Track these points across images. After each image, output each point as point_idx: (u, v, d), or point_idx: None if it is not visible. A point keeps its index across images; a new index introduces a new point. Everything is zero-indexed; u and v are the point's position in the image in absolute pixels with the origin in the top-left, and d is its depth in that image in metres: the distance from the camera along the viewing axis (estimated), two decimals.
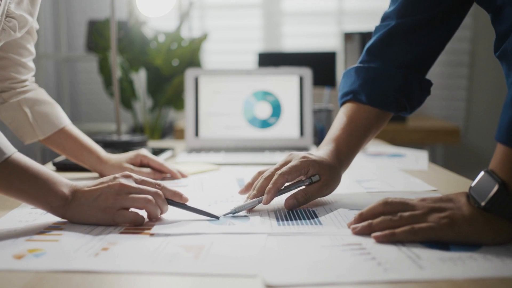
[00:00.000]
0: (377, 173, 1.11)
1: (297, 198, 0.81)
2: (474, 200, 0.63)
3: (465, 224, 0.62)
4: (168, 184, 1.01)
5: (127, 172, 0.75)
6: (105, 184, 0.72)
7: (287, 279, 0.53)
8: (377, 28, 0.97)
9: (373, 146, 1.53)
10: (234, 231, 0.69)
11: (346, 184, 1.00)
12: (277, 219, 0.74)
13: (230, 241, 0.64)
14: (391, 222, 0.65)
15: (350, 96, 0.96)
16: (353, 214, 0.76)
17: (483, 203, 0.62)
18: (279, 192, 0.83)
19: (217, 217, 0.76)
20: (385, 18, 0.96)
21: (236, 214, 0.77)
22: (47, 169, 0.73)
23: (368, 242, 0.63)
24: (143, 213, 0.73)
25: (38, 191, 0.71)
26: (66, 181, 0.73)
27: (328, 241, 0.64)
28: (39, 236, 0.67)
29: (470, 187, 0.65)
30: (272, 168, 0.86)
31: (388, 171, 1.13)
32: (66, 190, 0.72)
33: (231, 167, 1.21)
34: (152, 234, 0.67)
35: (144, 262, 0.57)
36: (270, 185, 0.81)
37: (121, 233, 0.68)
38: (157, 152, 1.34)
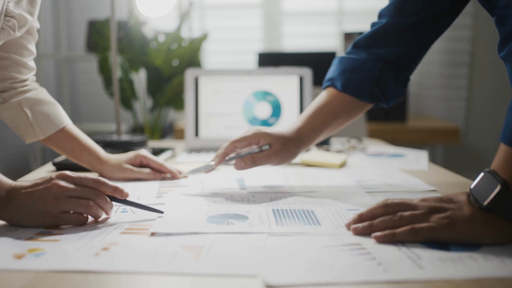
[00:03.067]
0: (377, 173, 1.11)
1: (245, 160, 0.95)
2: (475, 200, 0.63)
3: (466, 224, 0.62)
4: (168, 184, 1.01)
5: (63, 172, 0.73)
6: (42, 186, 0.70)
7: (287, 279, 0.53)
8: (372, 25, 1.03)
9: (373, 146, 1.54)
10: (233, 230, 0.69)
11: (346, 184, 1.00)
12: (276, 219, 0.74)
13: (230, 241, 0.64)
14: (391, 222, 0.65)
15: (330, 82, 1.05)
16: (352, 214, 0.76)
17: (485, 203, 0.62)
18: (232, 158, 0.96)
19: (161, 212, 0.77)
20: (380, 15, 1.02)
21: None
22: None
23: (368, 242, 0.63)
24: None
25: None
26: (4, 181, 0.72)
27: (328, 241, 0.64)
28: (39, 235, 0.67)
29: (471, 187, 0.65)
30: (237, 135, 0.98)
31: (388, 171, 1.13)
32: (2, 193, 0.70)
33: (231, 167, 1.21)
34: (153, 233, 0.67)
35: (144, 262, 0.57)
36: (220, 150, 0.96)
37: (122, 233, 0.68)
38: (157, 152, 1.34)
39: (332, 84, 1.04)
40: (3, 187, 0.71)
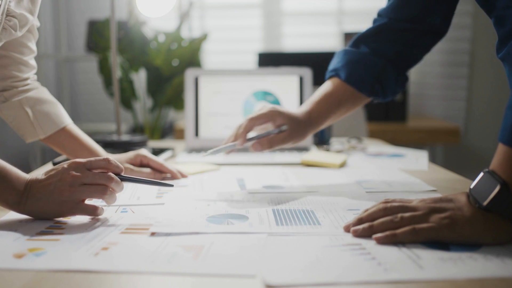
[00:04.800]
0: (377, 173, 1.11)
1: (262, 143, 0.96)
2: (475, 200, 0.63)
3: (466, 224, 0.62)
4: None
5: (74, 160, 0.75)
6: (57, 178, 0.73)
7: (287, 279, 0.53)
8: (374, 21, 1.08)
9: (373, 146, 1.54)
10: (233, 230, 0.69)
11: (346, 184, 1.00)
12: (276, 219, 0.74)
13: (230, 241, 0.64)
14: (392, 224, 0.65)
15: (334, 73, 1.08)
16: (352, 214, 0.76)
17: (484, 203, 0.62)
18: (252, 139, 0.96)
19: (171, 185, 0.82)
20: (379, 14, 1.07)
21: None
22: (4, 165, 0.73)
23: (368, 242, 0.63)
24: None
25: None
26: (21, 176, 0.74)
27: (328, 241, 0.64)
28: (39, 235, 0.67)
29: (471, 188, 0.65)
30: (248, 116, 0.99)
31: (388, 171, 1.13)
32: (21, 187, 0.73)
33: (231, 167, 1.21)
34: (153, 233, 0.67)
35: (143, 262, 0.57)
36: (240, 129, 0.97)
37: (122, 233, 0.68)
38: (157, 152, 1.34)
39: (336, 74, 1.07)
40: (21, 182, 0.73)
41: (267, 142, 0.96)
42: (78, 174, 0.73)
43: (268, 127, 1.00)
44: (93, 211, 0.74)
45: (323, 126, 1.06)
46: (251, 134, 0.99)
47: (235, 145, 0.96)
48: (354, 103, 1.08)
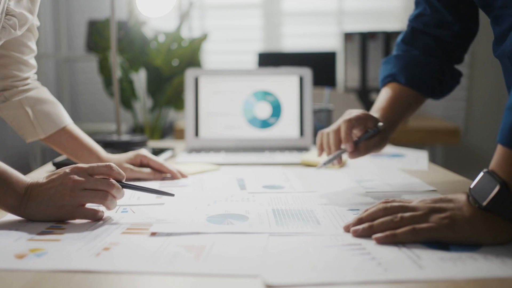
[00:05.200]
0: (377, 173, 1.11)
1: (359, 150, 0.97)
2: (475, 200, 0.63)
3: (466, 224, 0.62)
4: (168, 184, 1.01)
5: (76, 165, 0.75)
6: (58, 182, 0.73)
7: (287, 279, 0.53)
8: (407, 25, 1.10)
9: None
10: (233, 230, 0.69)
11: (346, 184, 1.00)
12: (276, 219, 0.74)
13: (231, 241, 0.64)
14: (391, 224, 0.65)
15: (390, 78, 1.09)
16: (352, 214, 0.76)
17: (484, 203, 0.62)
18: (357, 141, 0.97)
19: (172, 194, 0.80)
20: (409, 20, 1.09)
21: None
22: (5, 168, 0.73)
23: (368, 242, 0.63)
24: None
25: None
26: (22, 179, 0.74)
27: (328, 241, 0.64)
28: (40, 235, 0.67)
29: (470, 188, 0.65)
30: (335, 124, 0.99)
31: (388, 171, 1.13)
32: (21, 191, 0.73)
33: (231, 167, 1.21)
34: (154, 233, 0.68)
35: (145, 262, 0.58)
36: (343, 134, 0.96)
37: (123, 233, 0.68)
38: (157, 152, 1.34)
39: (393, 79, 1.08)
40: (21, 185, 0.73)
41: (363, 148, 0.98)
42: (79, 179, 0.73)
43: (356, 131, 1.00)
44: (93, 215, 0.74)
45: (395, 131, 1.06)
46: None
47: (345, 151, 0.97)
48: (417, 104, 1.09)
